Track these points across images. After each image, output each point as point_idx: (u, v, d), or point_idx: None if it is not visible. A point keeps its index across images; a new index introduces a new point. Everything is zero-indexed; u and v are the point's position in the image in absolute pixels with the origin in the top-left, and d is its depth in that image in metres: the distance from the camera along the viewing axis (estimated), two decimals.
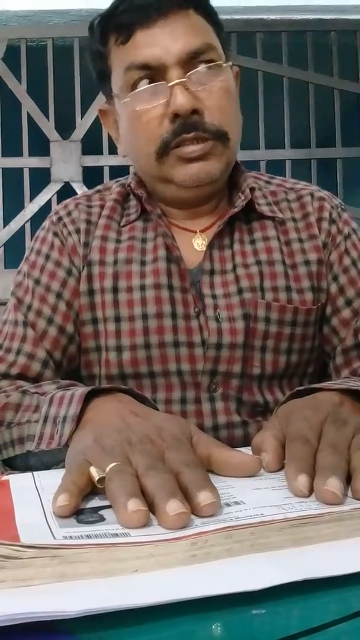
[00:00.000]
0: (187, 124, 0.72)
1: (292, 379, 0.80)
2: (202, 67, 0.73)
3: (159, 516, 0.36)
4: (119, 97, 0.77)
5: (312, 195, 0.84)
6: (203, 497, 0.37)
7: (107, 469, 0.41)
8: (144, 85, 0.73)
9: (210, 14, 0.77)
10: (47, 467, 0.58)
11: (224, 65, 0.75)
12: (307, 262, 0.79)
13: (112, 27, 0.76)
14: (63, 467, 0.55)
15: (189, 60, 0.72)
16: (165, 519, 0.35)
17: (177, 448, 0.44)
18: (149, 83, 0.73)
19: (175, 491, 0.37)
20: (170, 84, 0.72)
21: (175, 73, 0.72)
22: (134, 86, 0.74)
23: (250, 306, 0.76)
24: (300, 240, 0.81)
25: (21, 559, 0.30)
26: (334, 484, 0.38)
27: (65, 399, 0.57)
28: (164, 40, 0.72)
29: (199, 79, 0.73)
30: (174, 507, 0.35)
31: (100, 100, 2.60)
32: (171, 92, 0.72)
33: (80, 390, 0.57)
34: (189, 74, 0.72)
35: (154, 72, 0.73)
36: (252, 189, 0.80)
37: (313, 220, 0.82)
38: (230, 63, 0.78)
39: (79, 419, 0.54)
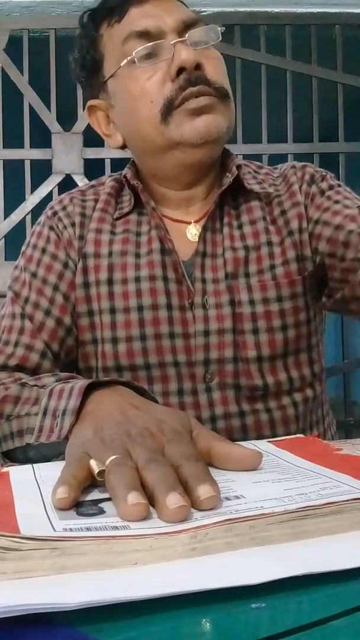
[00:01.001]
0: (192, 77, 0.73)
1: (299, 355, 0.79)
2: (200, 28, 0.76)
3: (159, 509, 0.36)
4: (114, 75, 0.78)
5: (294, 167, 0.85)
6: (203, 491, 0.37)
7: (107, 462, 0.41)
8: (146, 45, 0.75)
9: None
10: (47, 459, 0.58)
11: (218, 39, 0.78)
12: (290, 233, 0.80)
13: (104, 12, 0.79)
14: (63, 459, 0.55)
15: (185, 29, 0.75)
16: (165, 512, 0.35)
17: (177, 441, 0.44)
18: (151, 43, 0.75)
19: (175, 484, 0.37)
20: (172, 42, 0.74)
21: (174, 37, 0.75)
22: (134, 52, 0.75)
23: (234, 292, 0.76)
24: (284, 213, 0.81)
25: (21, 550, 0.30)
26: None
27: (65, 392, 0.57)
28: (159, 13, 0.76)
29: (197, 41, 0.75)
30: (174, 500, 0.35)
31: None
32: (174, 48, 0.74)
33: (80, 383, 0.57)
34: (189, 32, 0.75)
35: (153, 39, 0.75)
36: (238, 167, 0.80)
37: (296, 188, 0.82)
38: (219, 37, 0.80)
39: (78, 411, 0.54)
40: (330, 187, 0.82)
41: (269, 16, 2.58)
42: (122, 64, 0.76)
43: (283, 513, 0.34)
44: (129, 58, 0.75)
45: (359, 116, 2.68)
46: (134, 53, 0.75)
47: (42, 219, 0.86)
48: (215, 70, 0.76)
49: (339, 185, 0.83)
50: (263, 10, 2.57)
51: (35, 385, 0.66)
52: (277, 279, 0.78)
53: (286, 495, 0.38)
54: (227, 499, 0.38)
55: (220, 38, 0.78)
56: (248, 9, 2.53)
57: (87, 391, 0.55)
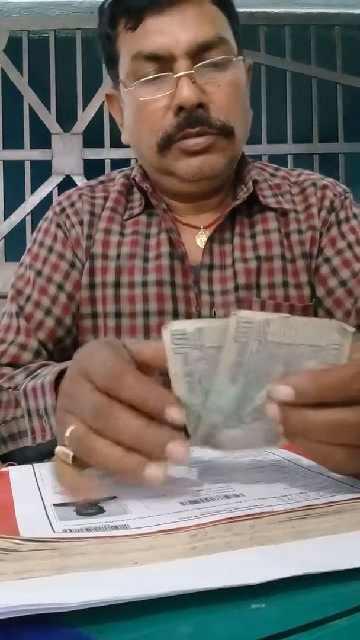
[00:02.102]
0: (192, 118, 0.71)
1: None
2: (210, 61, 0.71)
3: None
4: (124, 84, 0.76)
5: (315, 184, 0.83)
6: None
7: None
8: (150, 75, 0.72)
9: (225, 5, 0.75)
10: (46, 456, 0.58)
11: (235, 59, 0.74)
12: (304, 255, 0.79)
13: (122, 10, 0.74)
14: None
15: (199, 52, 0.71)
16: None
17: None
18: (156, 73, 0.72)
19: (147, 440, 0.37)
20: (176, 75, 0.70)
21: (183, 64, 0.70)
22: (140, 75, 0.73)
23: (245, 305, 0.75)
24: (300, 232, 0.80)
25: (20, 551, 0.30)
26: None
27: (38, 390, 0.57)
28: (174, 29, 0.70)
29: (207, 72, 0.71)
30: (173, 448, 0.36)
31: (101, 93, 2.59)
32: (177, 83, 0.70)
33: (48, 377, 0.57)
34: (196, 66, 0.70)
35: (161, 62, 0.71)
36: (255, 182, 0.79)
37: (315, 211, 0.81)
38: (241, 57, 0.76)
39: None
40: (347, 219, 0.81)
41: (268, 17, 2.59)
42: (131, 85, 0.74)
43: (283, 512, 0.34)
44: (135, 83, 0.73)
45: (359, 117, 2.68)
46: (135, 85, 0.73)
47: (49, 214, 0.84)
48: (223, 104, 0.72)
49: (355, 217, 0.82)
50: (263, 11, 2.57)
51: (10, 388, 0.66)
52: (291, 301, 0.77)
53: (286, 494, 0.38)
54: (227, 497, 0.38)
55: (231, 74, 0.73)
56: (248, 10, 2.53)
57: (58, 380, 0.55)
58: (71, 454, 0.40)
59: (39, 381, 0.58)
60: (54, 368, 0.57)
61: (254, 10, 2.55)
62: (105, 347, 0.41)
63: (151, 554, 0.31)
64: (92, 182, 0.87)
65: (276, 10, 2.60)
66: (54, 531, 0.34)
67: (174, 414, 0.37)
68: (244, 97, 0.77)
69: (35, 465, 0.50)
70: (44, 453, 0.60)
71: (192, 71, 0.70)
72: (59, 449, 0.41)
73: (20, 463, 0.61)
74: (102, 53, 0.82)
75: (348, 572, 0.31)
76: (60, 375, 0.56)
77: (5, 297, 0.84)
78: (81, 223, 0.80)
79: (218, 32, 0.72)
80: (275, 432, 0.40)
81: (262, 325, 0.37)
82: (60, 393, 0.46)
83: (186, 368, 0.39)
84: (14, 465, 0.53)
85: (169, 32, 0.71)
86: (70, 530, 0.33)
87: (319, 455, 0.39)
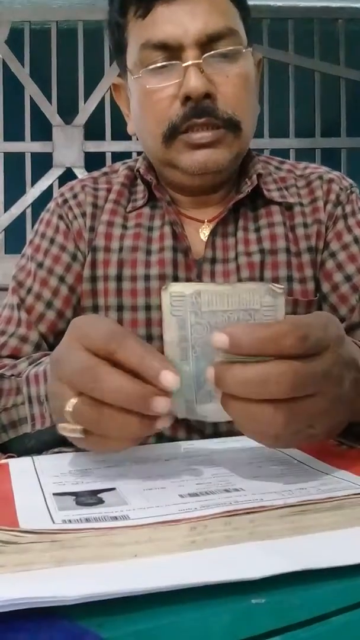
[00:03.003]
0: (199, 108, 0.70)
1: None
2: (219, 51, 0.70)
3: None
4: (132, 72, 0.75)
5: (321, 178, 0.82)
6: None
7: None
8: (158, 63, 0.71)
9: None
10: (48, 446, 0.58)
11: (244, 50, 0.73)
12: (310, 249, 0.78)
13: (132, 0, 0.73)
14: (63, 444, 0.56)
15: (208, 43, 0.70)
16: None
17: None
18: (164, 62, 0.71)
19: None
20: (185, 64, 0.70)
21: (192, 54, 0.69)
22: (148, 64, 0.72)
23: None
24: (305, 225, 0.79)
25: (20, 544, 0.30)
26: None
27: (40, 377, 0.57)
28: (184, 18, 0.69)
29: (215, 62, 0.70)
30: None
31: (103, 86, 2.58)
32: (185, 72, 0.69)
33: (50, 362, 0.57)
34: (205, 55, 0.69)
35: (170, 52, 0.70)
36: (259, 175, 0.78)
37: (321, 205, 0.80)
38: (251, 49, 0.75)
39: None
40: (353, 213, 0.80)
41: (272, 10, 2.57)
42: (138, 73, 0.73)
43: (283, 506, 0.34)
44: (142, 71, 0.72)
45: None
46: (143, 72, 0.72)
47: (51, 205, 0.83)
48: (231, 96, 0.71)
49: None
50: (266, 4, 2.56)
51: (12, 375, 0.66)
52: (295, 295, 0.76)
53: (286, 489, 0.38)
54: (227, 490, 0.38)
55: (241, 66, 0.71)
56: (251, 3, 2.51)
57: None
58: (79, 427, 0.41)
59: (41, 368, 0.58)
60: None
61: (257, 3, 2.54)
62: (103, 317, 0.43)
63: (151, 547, 0.31)
64: (95, 173, 0.86)
65: (279, 4, 2.59)
66: (54, 522, 0.34)
67: (170, 377, 0.38)
68: (252, 90, 0.76)
69: (35, 457, 0.50)
70: (43, 442, 0.59)
71: (201, 61, 0.69)
72: (62, 426, 0.42)
73: (19, 454, 0.61)
74: (110, 41, 0.81)
75: (348, 567, 0.31)
76: None
77: (5, 289, 0.84)
78: (83, 215, 0.80)
79: (228, 23, 0.71)
80: None
81: (194, 296, 0.39)
82: (52, 361, 0.46)
83: (181, 333, 0.40)
84: (13, 457, 0.53)
85: (178, 21, 0.69)
86: (70, 521, 0.33)
87: (249, 419, 0.40)
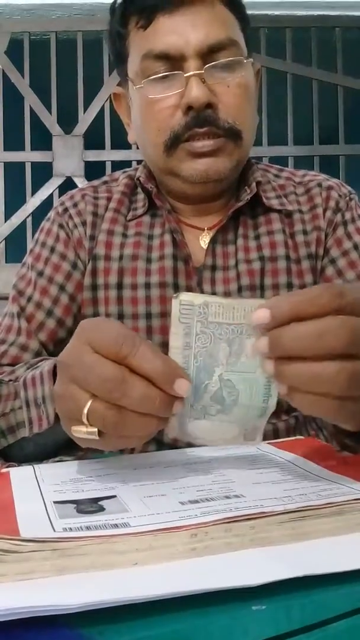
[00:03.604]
0: (200, 117, 0.71)
1: None
2: (221, 61, 0.71)
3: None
4: (133, 82, 0.76)
5: (320, 185, 0.82)
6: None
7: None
8: (160, 74, 0.72)
9: (236, 7, 0.75)
10: (47, 450, 0.58)
11: (245, 61, 0.73)
12: (309, 256, 0.78)
13: (134, 9, 0.74)
14: (61, 444, 0.55)
15: (209, 53, 0.71)
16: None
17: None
18: (166, 72, 0.71)
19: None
20: (186, 75, 0.70)
21: (193, 64, 0.70)
22: (149, 74, 0.72)
23: None
24: (305, 232, 0.79)
25: (21, 552, 0.30)
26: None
27: (37, 379, 0.57)
28: (185, 29, 0.70)
29: (217, 72, 0.71)
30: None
31: (102, 95, 2.59)
32: (187, 83, 0.70)
33: (47, 366, 0.57)
34: (206, 66, 0.70)
35: (171, 62, 0.71)
36: (258, 183, 0.79)
37: (320, 212, 0.80)
38: (251, 60, 0.76)
39: None
40: (353, 220, 0.80)
41: (269, 19, 2.59)
42: (140, 83, 0.74)
43: (283, 512, 0.34)
44: (144, 81, 0.73)
45: (359, 119, 2.68)
46: (145, 82, 0.72)
47: (51, 214, 0.83)
48: (232, 106, 0.72)
49: None
50: (263, 13, 2.57)
51: (10, 381, 0.66)
52: None
53: (286, 495, 0.38)
54: (227, 497, 0.38)
55: (241, 76, 0.72)
56: (249, 12, 2.53)
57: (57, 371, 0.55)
58: (95, 429, 0.42)
59: (38, 370, 0.58)
60: (54, 362, 0.57)
61: (255, 12, 2.55)
62: (112, 320, 0.44)
63: (151, 554, 0.31)
64: (96, 182, 0.86)
65: (277, 13, 2.60)
66: (54, 530, 0.34)
67: (184, 385, 0.40)
68: (252, 100, 0.76)
69: (35, 465, 0.50)
70: (41, 446, 0.59)
71: (202, 71, 0.70)
72: (76, 429, 0.43)
73: (19, 460, 0.61)
74: (110, 50, 0.81)
75: (348, 574, 0.31)
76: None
77: (5, 298, 0.84)
78: (84, 224, 0.80)
79: (229, 34, 0.72)
80: (251, 427, 0.44)
81: (202, 307, 0.41)
82: (61, 364, 0.46)
83: (186, 340, 0.41)
84: (14, 465, 0.53)
85: (180, 32, 0.70)
86: (71, 529, 0.34)
87: (309, 381, 0.40)
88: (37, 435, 0.58)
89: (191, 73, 0.70)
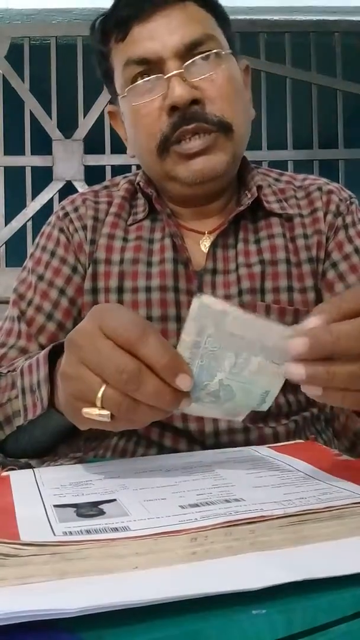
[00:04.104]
0: (187, 115, 0.71)
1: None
2: (199, 57, 0.71)
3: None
4: (119, 94, 0.77)
5: (320, 189, 0.82)
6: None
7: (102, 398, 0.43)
8: (141, 80, 0.72)
9: (209, 4, 0.76)
10: (41, 442, 0.58)
11: (224, 53, 0.73)
12: (310, 260, 0.78)
13: (111, 24, 0.75)
14: (56, 436, 0.56)
15: (187, 52, 0.71)
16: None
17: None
18: (147, 77, 0.72)
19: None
20: (166, 76, 0.71)
21: (173, 65, 0.71)
22: (132, 82, 0.73)
23: (249, 310, 0.75)
24: (306, 236, 0.79)
25: (21, 556, 0.30)
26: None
27: (33, 366, 0.58)
28: (161, 33, 0.71)
29: (198, 69, 0.71)
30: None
31: (102, 100, 2.60)
32: (168, 84, 0.70)
33: (43, 352, 0.57)
34: (185, 64, 0.71)
35: (151, 66, 0.72)
36: (259, 187, 0.79)
37: (321, 215, 0.80)
38: (229, 51, 0.76)
39: (51, 378, 0.54)
40: (353, 224, 0.81)
41: (268, 24, 2.60)
42: (124, 93, 0.74)
43: (283, 516, 0.34)
44: (127, 89, 0.73)
45: (359, 123, 2.69)
46: (127, 90, 0.73)
47: (52, 219, 0.83)
48: (218, 99, 0.72)
49: None
50: (263, 18, 2.58)
51: (9, 372, 0.66)
52: (295, 305, 0.76)
53: (286, 499, 0.38)
54: (227, 501, 0.38)
55: (223, 67, 0.72)
56: (248, 17, 2.55)
57: (54, 356, 0.56)
58: (108, 413, 0.43)
59: (35, 357, 0.58)
60: (50, 346, 0.58)
61: (254, 17, 2.57)
62: (125, 308, 0.45)
63: (151, 558, 0.31)
64: (96, 187, 0.87)
65: (276, 18, 2.61)
66: (54, 534, 0.34)
67: (186, 382, 0.42)
68: (240, 91, 0.77)
69: (35, 469, 0.50)
70: (36, 437, 0.59)
71: (182, 70, 0.71)
72: (87, 411, 0.44)
73: (15, 454, 0.60)
74: (99, 70, 0.82)
75: (348, 578, 0.31)
76: (54, 349, 0.56)
77: (6, 302, 0.84)
78: (84, 228, 0.80)
79: (204, 30, 0.73)
80: (234, 410, 0.46)
81: (220, 314, 0.42)
82: (72, 344, 0.46)
83: (197, 339, 0.42)
84: (14, 469, 0.53)
85: (155, 36, 0.71)
86: (71, 533, 0.33)
87: (335, 399, 0.42)
88: (31, 424, 0.58)
89: (171, 74, 0.70)
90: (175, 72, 0.70)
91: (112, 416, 0.43)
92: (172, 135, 0.72)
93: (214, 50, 0.72)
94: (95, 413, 0.43)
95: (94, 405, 0.43)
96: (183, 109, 0.71)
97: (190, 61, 0.71)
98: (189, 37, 0.71)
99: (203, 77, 0.72)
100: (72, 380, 0.45)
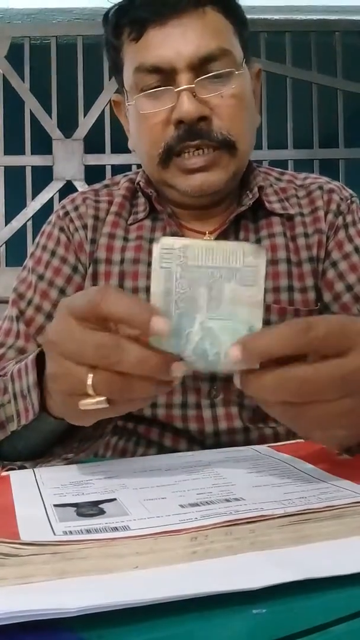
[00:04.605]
0: (192, 131, 0.70)
1: None
2: (212, 74, 0.70)
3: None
4: (127, 95, 0.76)
5: (321, 188, 0.82)
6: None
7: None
8: (151, 88, 0.71)
9: (230, 11, 0.74)
10: (37, 446, 0.58)
11: (237, 73, 0.72)
12: (311, 259, 0.78)
13: (126, 20, 0.73)
14: (51, 439, 0.57)
15: (200, 66, 0.70)
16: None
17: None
18: (158, 86, 0.71)
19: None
20: (177, 89, 0.70)
21: (185, 77, 0.70)
22: (142, 89, 0.72)
23: None
24: (306, 235, 0.79)
25: (21, 556, 0.30)
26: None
27: (22, 371, 0.57)
28: (176, 41, 0.70)
29: (209, 84, 0.70)
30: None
31: (102, 99, 2.60)
32: (178, 97, 0.70)
33: (31, 356, 0.57)
34: (197, 80, 0.70)
35: (163, 75, 0.71)
36: (260, 188, 0.79)
37: (321, 214, 0.80)
38: (243, 71, 0.74)
39: (40, 380, 0.54)
40: (354, 223, 0.81)
41: (269, 23, 2.60)
42: (132, 98, 0.74)
43: (283, 515, 0.34)
44: (136, 97, 0.73)
45: (359, 122, 2.69)
46: (137, 97, 0.72)
47: (52, 218, 0.83)
48: (226, 117, 0.71)
49: None
50: (263, 18, 2.58)
51: (0, 376, 0.66)
52: (296, 305, 0.76)
53: (286, 498, 0.38)
54: (227, 500, 0.38)
55: (235, 86, 0.71)
56: (248, 16, 2.53)
57: (43, 360, 0.55)
58: (103, 398, 0.42)
59: (24, 362, 0.58)
60: (38, 350, 0.57)
61: (255, 16, 2.56)
62: (85, 290, 0.44)
63: (152, 558, 0.31)
64: (97, 186, 0.86)
65: (277, 17, 2.61)
66: (55, 533, 0.34)
67: (161, 323, 0.40)
68: (248, 108, 0.76)
69: (35, 468, 0.50)
70: (30, 441, 0.58)
71: (193, 85, 0.70)
72: (84, 402, 0.43)
73: (12, 458, 0.60)
74: (107, 59, 0.81)
75: (348, 577, 0.31)
76: (43, 352, 0.55)
77: (5, 302, 0.84)
78: (85, 227, 0.80)
79: (220, 44, 0.71)
80: (215, 361, 0.43)
81: (182, 250, 0.41)
82: (49, 344, 0.46)
83: (167, 285, 0.41)
84: (14, 469, 0.53)
85: (170, 44, 0.70)
86: (71, 532, 0.33)
87: (279, 414, 0.43)
88: (25, 429, 0.58)
89: (182, 88, 0.70)
90: (185, 86, 0.70)
91: (109, 401, 0.43)
92: (176, 147, 0.71)
93: (227, 70, 0.71)
94: (91, 402, 0.43)
95: (87, 396, 0.43)
96: (189, 124, 0.70)
97: (201, 77, 0.70)
98: (204, 50, 0.70)
99: (214, 93, 0.71)
100: (60, 377, 0.45)
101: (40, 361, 0.55)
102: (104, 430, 0.57)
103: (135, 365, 0.40)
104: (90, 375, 0.42)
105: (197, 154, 0.72)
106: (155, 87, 0.71)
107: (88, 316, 0.42)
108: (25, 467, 0.57)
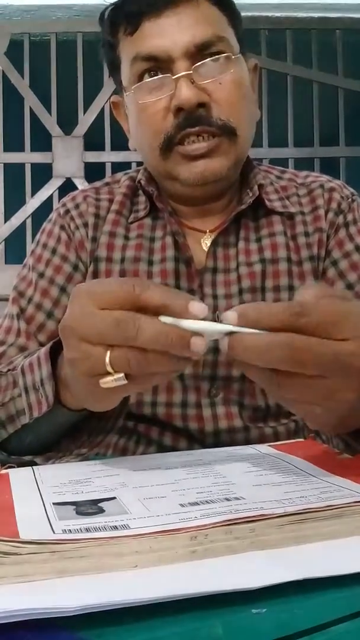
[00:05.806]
0: (192, 117, 0.71)
1: None
2: (209, 60, 0.71)
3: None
4: (126, 89, 0.76)
5: (322, 186, 0.82)
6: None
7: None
8: (149, 77, 0.72)
9: (224, 4, 0.75)
10: (47, 439, 0.58)
11: (234, 57, 0.73)
12: (311, 258, 0.78)
13: (121, 16, 0.74)
14: (63, 431, 0.57)
15: (197, 52, 0.71)
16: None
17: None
18: (155, 75, 0.71)
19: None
20: (175, 77, 0.70)
21: (182, 65, 0.70)
22: (140, 78, 0.73)
23: None
24: (307, 234, 0.79)
25: (20, 554, 0.30)
26: None
27: (34, 364, 0.57)
28: (171, 31, 0.70)
29: (206, 71, 0.71)
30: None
31: (102, 97, 2.59)
32: (176, 84, 0.70)
33: (44, 350, 0.57)
34: (195, 66, 0.70)
35: (160, 64, 0.71)
36: (260, 186, 0.79)
37: (322, 213, 0.80)
38: (239, 55, 0.75)
39: (54, 374, 0.54)
40: (355, 222, 0.80)
41: (270, 21, 2.59)
42: (130, 89, 0.74)
43: (283, 515, 0.34)
44: (134, 87, 0.73)
45: None
46: (135, 87, 0.73)
47: (53, 216, 0.83)
48: (225, 103, 0.72)
49: None
50: (264, 15, 2.58)
51: (9, 371, 0.65)
52: None
53: (286, 498, 0.38)
54: (227, 499, 0.38)
55: (232, 71, 0.72)
56: (249, 14, 2.54)
57: (55, 354, 0.55)
58: (122, 374, 0.43)
59: (35, 355, 0.58)
60: (50, 343, 0.57)
61: (256, 14, 2.56)
62: (102, 279, 0.45)
63: (151, 557, 0.31)
64: (97, 183, 0.86)
65: (277, 14, 2.60)
66: (54, 532, 0.34)
67: (198, 306, 0.41)
68: (247, 96, 0.76)
69: (35, 467, 0.50)
70: (41, 435, 0.59)
71: (191, 72, 0.70)
72: (104, 380, 0.43)
73: (19, 452, 0.60)
74: (105, 59, 0.82)
75: (348, 577, 0.31)
76: (55, 346, 0.56)
77: (5, 299, 0.84)
78: (85, 225, 0.80)
79: (216, 32, 0.72)
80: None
81: None
82: (66, 329, 0.46)
83: None
84: (13, 467, 0.53)
85: (166, 34, 0.70)
86: (70, 531, 0.33)
87: (259, 379, 0.43)
88: (36, 422, 0.58)
89: (180, 74, 0.70)
90: (183, 73, 0.70)
91: (128, 377, 0.43)
92: (177, 135, 0.72)
93: (224, 54, 0.72)
94: (110, 380, 0.43)
95: (107, 374, 0.43)
96: (189, 111, 0.70)
97: (199, 63, 0.71)
98: (199, 38, 0.71)
99: (212, 79, 0.71)
100: (79, 361, 0.45)
101: (52, 354, 0.55)
102: (114, 423, 0.57)
103: (151, 339, 0.41)
104: (107, 354, 0.42)
105: (198, 140, 0.72)
106: (153, 75, 0.72)
107: (117, 304, 0.42)
108: (35, 463, 0.57)
